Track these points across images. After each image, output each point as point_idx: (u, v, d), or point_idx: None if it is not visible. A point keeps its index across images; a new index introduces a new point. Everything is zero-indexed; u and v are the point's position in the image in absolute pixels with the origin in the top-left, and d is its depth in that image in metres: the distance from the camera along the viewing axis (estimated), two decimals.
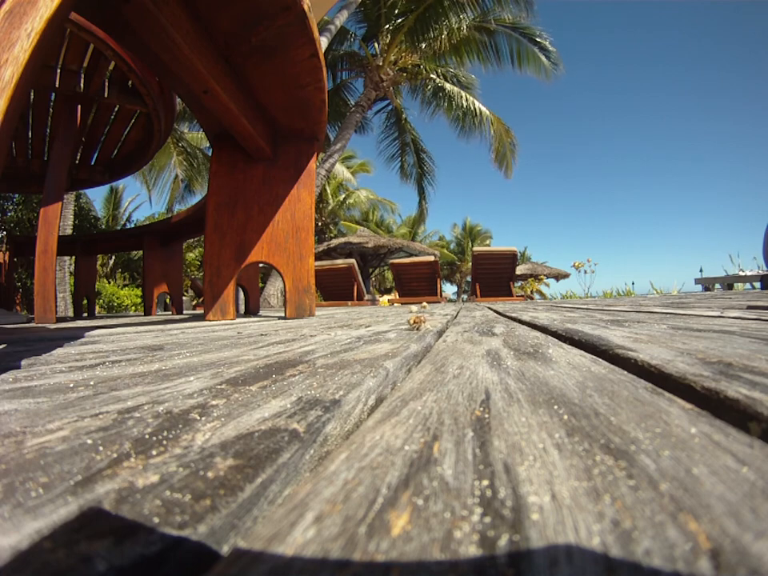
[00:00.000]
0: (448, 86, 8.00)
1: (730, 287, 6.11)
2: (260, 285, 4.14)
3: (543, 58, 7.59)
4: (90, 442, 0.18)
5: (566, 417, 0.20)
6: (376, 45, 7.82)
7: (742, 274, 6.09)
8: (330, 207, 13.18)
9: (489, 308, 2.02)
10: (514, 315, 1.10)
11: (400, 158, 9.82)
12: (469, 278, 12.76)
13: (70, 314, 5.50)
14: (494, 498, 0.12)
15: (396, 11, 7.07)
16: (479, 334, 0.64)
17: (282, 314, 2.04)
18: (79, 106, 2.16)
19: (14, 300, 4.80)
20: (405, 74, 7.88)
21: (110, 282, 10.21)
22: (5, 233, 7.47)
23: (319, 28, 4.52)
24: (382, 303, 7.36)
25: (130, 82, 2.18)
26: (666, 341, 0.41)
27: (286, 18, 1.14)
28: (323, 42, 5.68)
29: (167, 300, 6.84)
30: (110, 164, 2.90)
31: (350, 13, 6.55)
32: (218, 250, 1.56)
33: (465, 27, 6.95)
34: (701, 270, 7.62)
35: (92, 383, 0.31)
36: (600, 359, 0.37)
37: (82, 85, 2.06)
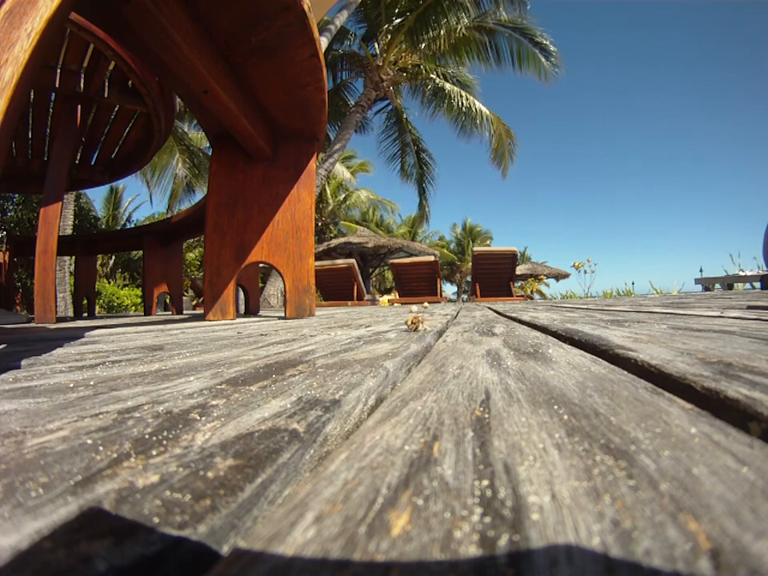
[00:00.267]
0: (448, 85, 8.00)
1: (730, 287, 6.11)
2: (260, 285, 4.14)
3: (543, 59, 7.58)
4: (90, 442, 0.18)
5: (566, 417, 0.20)
6: (376, 45, 7.82)
7: (742, 274, 6.09)
8: (330, 207, 13.18)
9: (489, 308, 2.02)
10: (513, 315, 1.10)
11: (400, 158, 9.82)
12: (469, 278, 12.77)
13: (70, 313, 5.50)
14: (494, 498, 0.12)
15: (396, 11, 7.07)
16: (479, 333, 0.64)
17: (282, 314, 2.04)
18: (79, 106, 2.16)
19: (14, 300, 4.80)
20: (405, 74, 7.87)
21: (110, 282, 10.21)
22: (5, 233, 7.48)
23: (319, 28, 4.53)
24: (382, 303, 7.37)
25: (130, 82, 2.18)
26: (666, 341, 0.41)
27: (286, 17, 1.14)
28: (323, 42, 5.67)
29: (167, 300, 6.84)
30: (110, 164, 2.90)
31: (349, 13, 6.55)
32: (217, 250, 1.56)
33: (464, 27, 6.95)
34: (701, 270, 7.63)
35: (92, 383, 0.31)
36: (600, 359, 0.37)
37: (81, 85, 2.06)
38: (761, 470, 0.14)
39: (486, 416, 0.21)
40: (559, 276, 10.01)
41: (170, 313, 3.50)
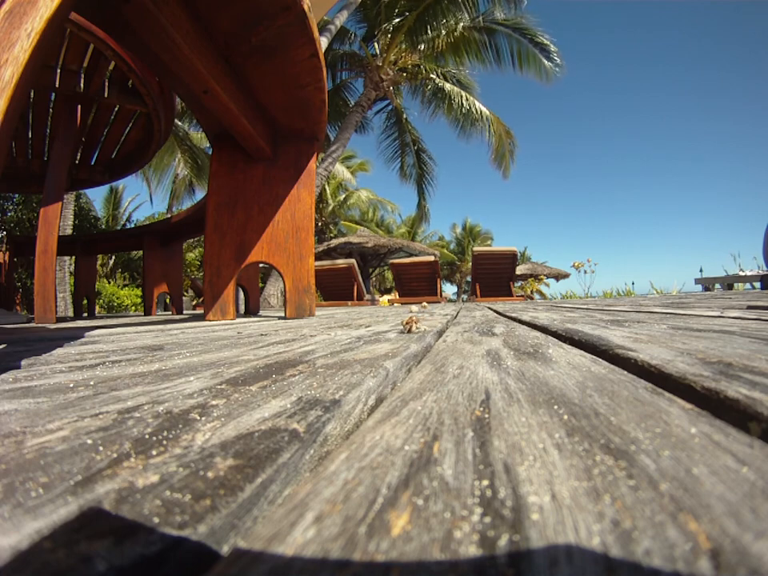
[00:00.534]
0: (448, 86, 8.00)
1: (730, 287, 6.11)
2: (260, 285, 4.14)
3: (544, 59, 7.57)
4: (90, 441, 0.18)
5: (566, 417, 0.20)
6: (376, 45, 7.82)
7: (741, 274, 6.09)
8: (329, 207, 13.18)
9: (489, 308, 2.02)
10: (513, 315, 1.10)
11: (400, 158, 9.82)
12: (469, 278, 12.76)
13: (70, 313, 5.50)
14: (494, 498, 0.12)
15: (396, 11, 7.07)
16: (479, 333, 0.64)
17: (282, 314, 2.04)
18: (79, 106, 2.16)
19: (14, 300, 4.80)
20: (405, 74, 7.87)
21: (110, 282, 10.21)
22: (5, 233, 7.48)
23: (319, 28, 4.52)
24: (382, 303, 7.36)
25: (130, 82, 2.18)
26: (665, 341, 0.41)
27: (286, 17, 1.14)
28: (323, 42, 5.68)
29: (167, 300, 6.84)
30: (109, 164, 2.90)
31: (349, 13, 6.56)
32: (217, 250, 1.56)
33: (463, 27, 6.94)
34: (701, 270, 7.64)
35: (92, 383, 0.31)
36: (600, 359, 0.37)
37: (82, 85, 2.06)
38: (761, 469, 0.14)
39: (486, 416, 0.21)
40: (559, 276, 10.01)
41: (170, 313, 3.50)
